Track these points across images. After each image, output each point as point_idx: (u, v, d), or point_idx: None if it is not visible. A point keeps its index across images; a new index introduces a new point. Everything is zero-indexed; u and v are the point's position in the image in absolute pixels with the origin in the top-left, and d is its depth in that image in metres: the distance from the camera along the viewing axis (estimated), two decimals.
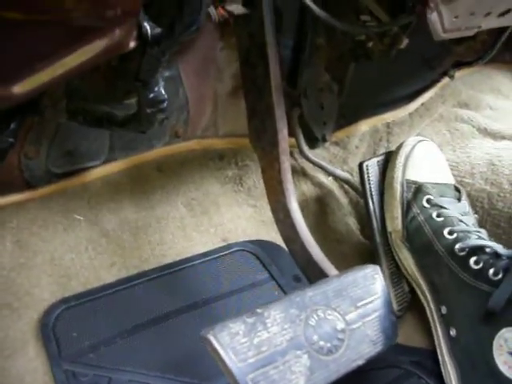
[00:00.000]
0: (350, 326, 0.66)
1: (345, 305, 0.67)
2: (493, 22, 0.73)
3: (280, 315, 0.61)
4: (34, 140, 0.93)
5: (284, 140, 0.79)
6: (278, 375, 0.58)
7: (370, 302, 0.70)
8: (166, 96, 0.74)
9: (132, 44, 0.48)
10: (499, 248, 0.81)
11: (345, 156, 1.20)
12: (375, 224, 0.94)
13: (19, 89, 0.45)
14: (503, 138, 1.20)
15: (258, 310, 0.60)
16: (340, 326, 0.65)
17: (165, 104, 0.75)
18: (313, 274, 0.77)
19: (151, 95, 0.73)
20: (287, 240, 0.82)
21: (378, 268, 0.73)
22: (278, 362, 0.58)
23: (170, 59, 0.79)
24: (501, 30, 1.10)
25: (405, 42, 0.86)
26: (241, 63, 0.87)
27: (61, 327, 0.82)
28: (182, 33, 0.63)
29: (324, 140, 1.10)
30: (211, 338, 0.56)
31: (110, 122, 0.84)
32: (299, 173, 1.14)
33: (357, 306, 0.68)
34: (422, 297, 0.89)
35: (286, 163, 0.79)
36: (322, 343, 0.63)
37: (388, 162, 0.97)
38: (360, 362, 0.66)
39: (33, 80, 0.45)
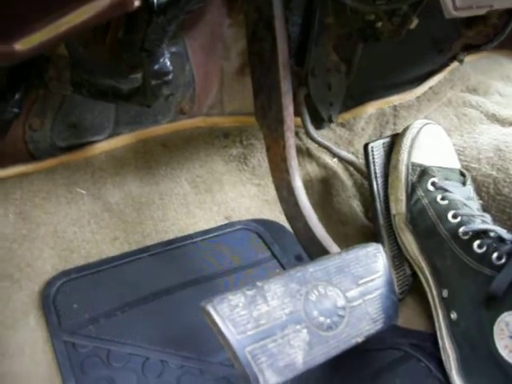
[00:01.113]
0: (351, 303, 0.66)
1: (346, 282, 0.66)
2: (505, 2, 0.72)
3: (280, 289, 0.60)
4: (39, 112, 0.93)
5: (289, 117, 0.78)
6: (277, 349, 0.57)
7: (372, 280, 0.69)
8: (171, 68, 0.73)
9: (136, 3, 0.47)
10: (503, 232, 0.80)
11: (350, 138, 1.19)
12: (379, 206, 0.94)
13: (21, 46, 0.44)
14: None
15: (258, 284, 0.60)
16: (340, 302, 0.65)
17: (170, 76, 0.74)
18: (315, 253, 0.77)
19: (156, 66, 0.72)
20: (290, 218, 0.82)
21: (380, 247, 0.73)
22: (277, 336, 0.58)
23: (176, 33, 0.78)
24: None
25: (414, 22, 0.85)
26: (248, 38, 0.86)
27: (61, 299, 0.82)
28: (189, 1, 0.62)
29: (330, 121, 1.09)
30: (210, 309, 0.56)
31: (115, 95, 0.84)
32: (304, 153, 1.14)
33: (358, 283, 0.68)
34: (423, 280, 0.89)
35: (291, 140, 0.78)
36: (321, 319, 0.62)
37: (394, 144, 0.97)
38: (359, 340, 0.66)
39: (35, 37, 0.44)
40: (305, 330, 0.60)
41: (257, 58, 0.86)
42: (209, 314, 0.56)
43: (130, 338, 0.79)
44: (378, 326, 0.69)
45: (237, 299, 0.57)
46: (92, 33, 0.79)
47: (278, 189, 0.82)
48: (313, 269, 0.64)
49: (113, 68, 0.84)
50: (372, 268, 0.70)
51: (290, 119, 0.78)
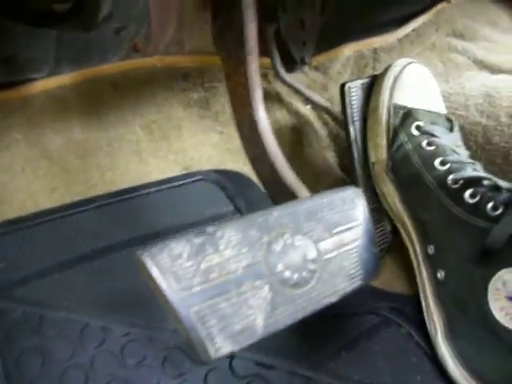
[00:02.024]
0: (324, 256, 0.55)
1: (318, 230, 0.55)
2: None
3: (236, 236, 0.49)
4: None
5: (252, 36, 0.65)
6: (231, 309, 0.46)
7: (349, 230, 0.58)
8: None
9: None
10: (499, 180, 0.70)
11: (325, 82, 1.09)
12: (356, 154, 0.84)
13: None
14: (501, 71, 1.12)
15: (209, 229, 0.48)
16: (311, 254, 0.54)
17: None
18: (283, 200, 0.66)
19: None
20: (254, 160, 0.70)
21: (359, 191, 0.62)
22: (232, 293, 0.47)
23: None
24: None
25: None
26: None
27: None
28: None
29: (303, 63, 0.99)
30: (147, 259, 0.45)
31: (47, 18, 0.71)
32: (273, 98, 1.03)
33: (332, 232, 0.56)
34: (405, 236, 0.80)
35: (254, 65, 0.66)
36: (287, 274, 0.51)
37: (373, 84, 0.86)
38: (333, 299, 0.55)
39: None
40: (266, 287, 0.49)
41: None
42: (144, 266, 0.45)
43: (66, 302, 0.69)
44: (356, 282, 0.58)
45: (181, 248, 0.46)
46: None
47: (239, 127, 0.70)
48: (278, 213, 0.53)
49: None
50: (349, 215, 0.59)
51: (252, 39, 0.66)
